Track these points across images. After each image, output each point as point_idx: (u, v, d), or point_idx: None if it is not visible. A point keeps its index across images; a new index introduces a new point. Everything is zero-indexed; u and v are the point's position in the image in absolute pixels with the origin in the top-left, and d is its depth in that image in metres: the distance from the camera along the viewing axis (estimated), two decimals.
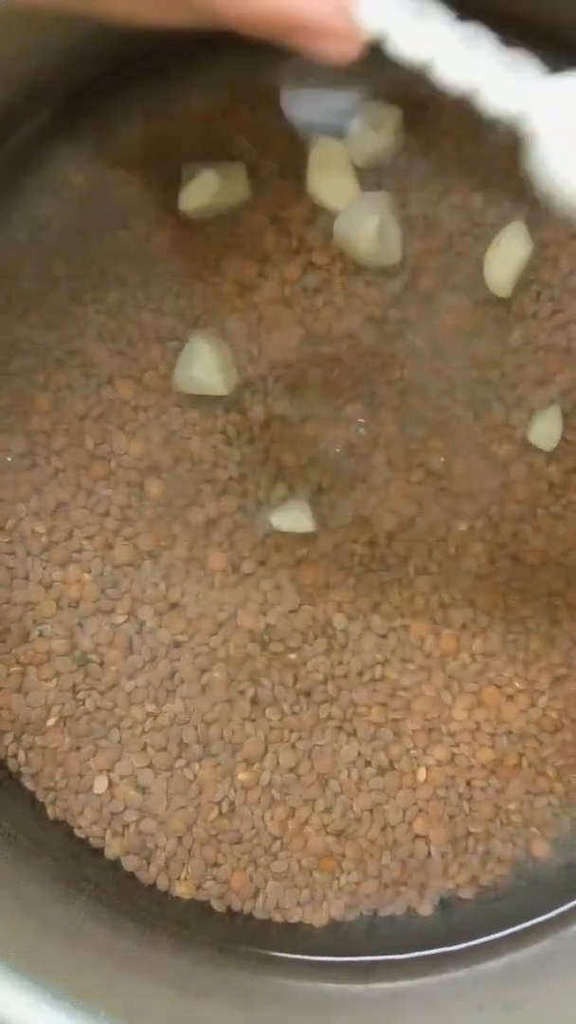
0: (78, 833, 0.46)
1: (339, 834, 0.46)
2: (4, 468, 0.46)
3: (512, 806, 0.46)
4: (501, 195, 0.45)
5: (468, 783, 0.46)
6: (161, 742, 0.46)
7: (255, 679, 0.46)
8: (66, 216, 0.45)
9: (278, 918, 0.46)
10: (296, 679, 0.45)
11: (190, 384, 0.44)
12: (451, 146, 0.45)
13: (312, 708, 0.46)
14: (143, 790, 0.46)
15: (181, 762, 0.46)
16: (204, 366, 0.44)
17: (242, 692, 0.46)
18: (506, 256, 0.44)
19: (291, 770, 0.46)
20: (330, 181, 0.45)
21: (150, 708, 0.46)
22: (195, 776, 0.46)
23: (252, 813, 0.46)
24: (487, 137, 0.45)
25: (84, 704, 0.46)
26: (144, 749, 0.46)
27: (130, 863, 0.46)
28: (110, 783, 0.46)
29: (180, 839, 0.46)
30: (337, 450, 0.45)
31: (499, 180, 0.45)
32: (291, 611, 0.45)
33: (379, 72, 0.45)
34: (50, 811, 0.46)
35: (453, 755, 0.46)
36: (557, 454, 0.45)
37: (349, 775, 0.46)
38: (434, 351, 0.45)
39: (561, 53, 0.44)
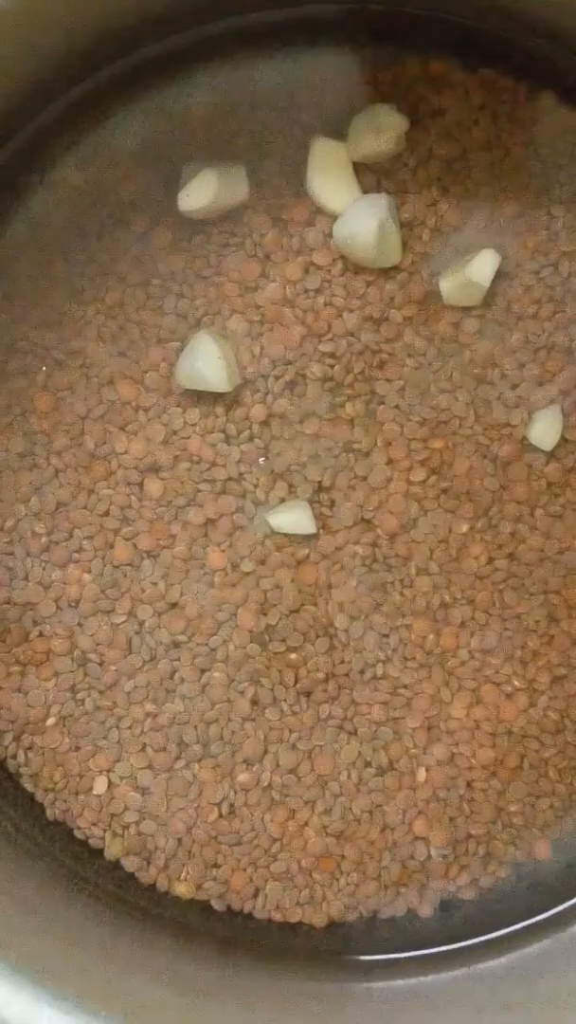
0: (78, 834, 0.46)
1: (339, 835, 0.46)
2: (4, 468, 0.46)
3: (513, 808, 0.46)
4: (499, 199, 0.45)
5: (468, 784, 0.46)
6: (161, 742, 0.46)
7: (255, 679, 0.46)
8: (66, 216, 0.45)
9: (278, 918, 0.46)
10: (296, 679, 0.45)
11: (193, 380, 0.44)
12: (452, 150, 0.45)
13: (312, 708, 0.46)
14: (143, 791, 0.46)
15: (181, 763, 0.46)
16: (208, 361, 0.44)
17: (242, 692, 0.45)
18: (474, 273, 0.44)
19: (291, 771, 0.46)
20: (330, 182, 0.45)
21: (150, 708, 0.46)
22: (195, 777, 0.46)
23: (252, 814, 0.46)
24: (488, 142, 0.45)
25: (84, 704, 0.46)
26: (144, 749, 0.46)
27: (130, 864, 0.46)
28: (110, 784, 0.46)
29: (180, 840, 0.46)
30: (338, 449, 0.45)
31: (498, 184, 0.45)
32: (292, 611, 0.45)
33: (383, 74, 0.45)
34: (49, 812, 0.46)
35: (453, 755, 0.46)
36: (557, 454, 0.45)
37: (349, 776, 0.46)
38: (434, 351, 0.45)
39: (562, 53, 0.44)
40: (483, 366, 0.45)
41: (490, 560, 0.46)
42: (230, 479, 0.45)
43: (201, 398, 0.45)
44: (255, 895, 0.46)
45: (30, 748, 0.46)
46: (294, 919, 0.46)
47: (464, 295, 0.45)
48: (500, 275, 0.45)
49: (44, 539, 0.46)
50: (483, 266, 0.44)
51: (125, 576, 0.46)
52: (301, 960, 0.45)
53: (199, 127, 0.45)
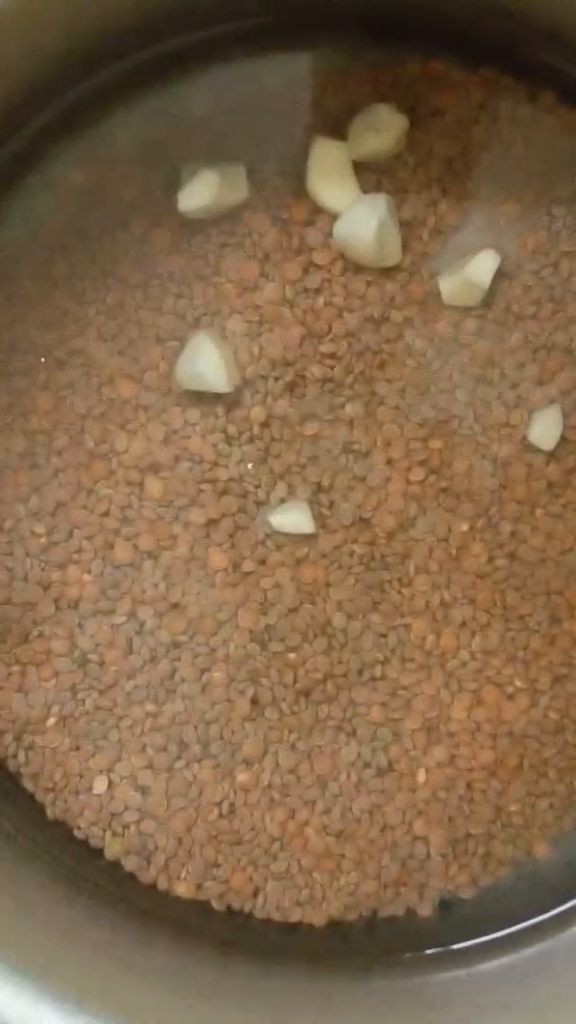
0: (78, 833, 0.46)
1: (338, 835, 0.46)
2: (3, 467, 0.46)
3: (513, 808, 0.46)
4: (499, 199, 0.45)
5: (468, 785, 0.46)
6: (161, 742, 0.46)
7: (255, 679, 0.46)
8: (66, 216, 0.45)
9: (278, 918, 0.46)
10: (296, 679, 0.45)
11: (193, 380, 0.44)
12: (452, 149, 0.45)
13: (311, 708, 0.46)
14: (143, 790, 0.46)
15: (181, 762, 0.46)
16: (208, 362, 0.44)
17: (242, 692, 0.46)
18: (474, 273, 0.44)
19: (291, 771, 0.46)
20: (330, 182, 0.45)
21: (150, 708, 0.46)
22: (195, 777, 0.46)
23: (252, 814, 0.46)
24: (488, 142, 0.45)
25: (84, 704, 0.46)
26: (144, 749, 0.46)
27: (130, 863, 0.46)
28: (110, 783, 0.46)
29: (180, 839, 0.46)
30: (337, 450, 0.45)
31: (498, 184, 0.45)
32: (291, 610, 0.45)
33: (383, 74, 0.45)
34: (50, 811, 0.46)
35: (453, 756, 0.46)
36: (557, 454, 0.45)
37: (348, 776, 0.46)
38: (434, 351, 0.45)
39: (562, 53, 0.44)
40: (483, 366, 0.45)
41: (491, 560, 0.46)
42: (231, 480, 0.45)
43: (201, 398, 0.45)
44: (255, 894, 0.46)
45: (30, 748, 0.46)
46: (294, 919, 0.46)
47: (464, 295, 0.45)
48: (500, 275, 0.45)
49: (44, 539, 0.46)
50: (483, 266, 0.44)
51: (126, 576, 0.46)
52: (301, 960, 0.45)
53: (199, 127, 0.45)
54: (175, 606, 0.46)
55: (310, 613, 0.45)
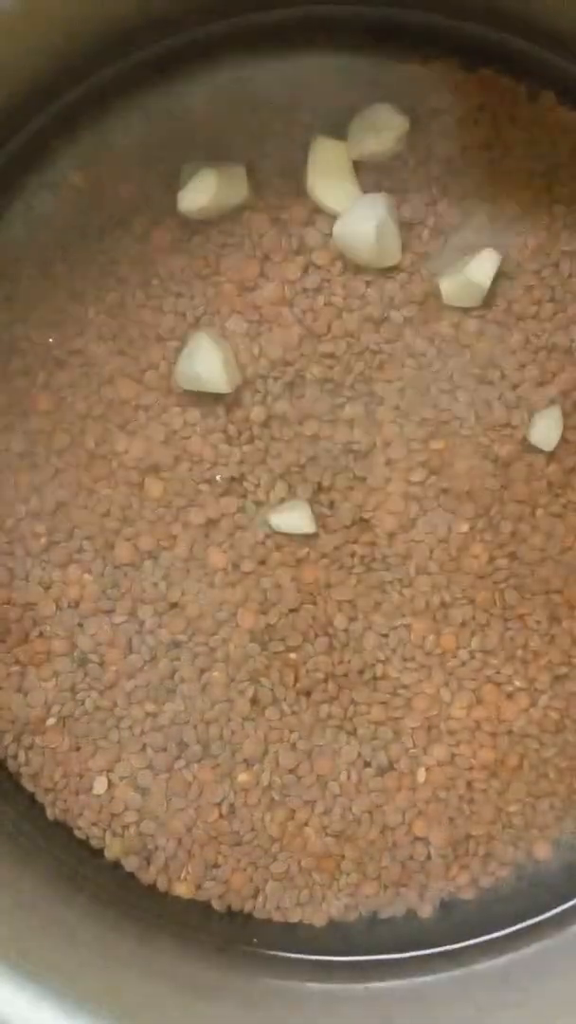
0: (78, 834, 0.46)
1: (338, 835, 0.46)
2: (4, 468, 0.46)
3: (513, 808, 0.46)
4: (499, 199, 0.45)
5: (469, 784, 0.46)
6: (161, 742, 0.46)
7: (255, 679, 0.46)
8: (66, 215, 0.45)
9: (278, 918, 0.46)
10: (296, 679, 0.45)
11: (192, 381, 0.44)
12: (452, 149, 0.45)
13: (312, 708, 0.46)
14: (143, 791, 0.46)
15: (181, 763, 0.46)
16: (207, 362, 0.44)
17: (242, 692, 0.46)
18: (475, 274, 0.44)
19: (291, 771, 0.46)
20: (330, 182, 0.45)
21: (150, 708, 0.46)
22: (195, 777, 0.46)
23: (252, 814, 0.46)
24: (488, 142, 0.45)
25: (84, 704, 0.46)
26: (144, 749, 0.46)
27: (130, 863, 0.46)
28: (110, 784, 0.46)
29: (180, 840, 0.46)
30: (337, 450, 0.45)
31: (498, 184, 0.45)
32: (291, 610, 0.45)
33: (383, 74, 0.45)
34: (50, 812, 0.46)
35: (453, 755, 0.46)
36: (557, 454, 0.45)
37: (348, 776, 0.46)
38: (434, 351, 0.45)
39: (562, 53, 0.44)
40: (483, 367, 0.45)
41: (491, 560, 0.46)
42: (231, 479, 0.45)
43: (201, 398, 0.45)
44: (255, 895, 0.46)
45: (30, 748, 0.46)
46: (294, 919, 0.46)
47: (464, 295, 0.45)
48: (500, 275, 0.45)
49: (44, 539, 0.46)
50: (483, 266, 0.44)
51: (126, 576, 0.46)
52: (301, 960, 0.45)
53: (199, 127, 0.45)
54: (175, 606, 0.46)
55: (311, 613, 0.45)
